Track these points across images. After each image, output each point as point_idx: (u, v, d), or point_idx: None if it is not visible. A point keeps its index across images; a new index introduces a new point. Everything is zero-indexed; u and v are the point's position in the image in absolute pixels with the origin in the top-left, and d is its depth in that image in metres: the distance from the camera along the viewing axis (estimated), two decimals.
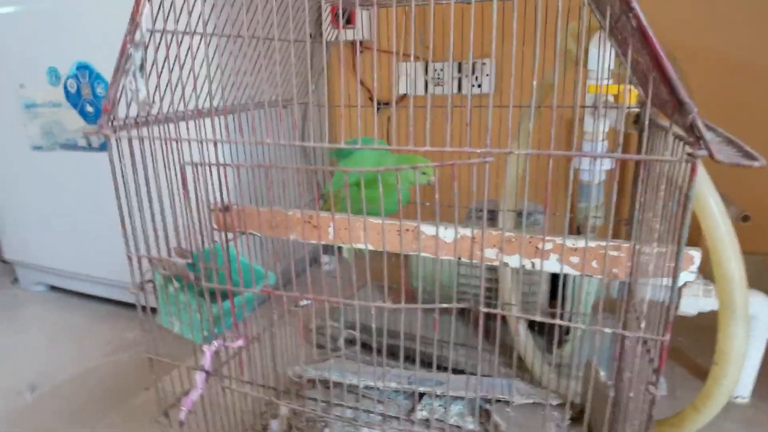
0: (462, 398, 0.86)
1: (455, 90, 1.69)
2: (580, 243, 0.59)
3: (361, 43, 1.81)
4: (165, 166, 0.60)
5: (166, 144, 0.58)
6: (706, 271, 0.96)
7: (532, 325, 1.21)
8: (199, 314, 0.61)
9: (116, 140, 0.58)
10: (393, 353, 1.02)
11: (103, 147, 1.45)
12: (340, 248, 0.75)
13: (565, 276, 1.02)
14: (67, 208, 1.61)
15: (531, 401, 0.84)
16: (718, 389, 0.76)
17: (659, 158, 0.38)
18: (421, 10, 1.63)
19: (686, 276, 0.58)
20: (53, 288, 1.87)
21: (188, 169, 0.61)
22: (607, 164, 1.09)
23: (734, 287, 0.70)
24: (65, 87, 1.47)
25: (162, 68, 0.57)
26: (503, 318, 1.16)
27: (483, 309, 0.51)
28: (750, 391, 1.12)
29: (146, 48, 0.56)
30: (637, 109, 0.71)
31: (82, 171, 1.53)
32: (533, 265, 0.62)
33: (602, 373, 0.79)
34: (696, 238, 1.05)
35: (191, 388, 0.64)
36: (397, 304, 0.58)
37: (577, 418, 0.83)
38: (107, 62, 1.36)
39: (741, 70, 1.47)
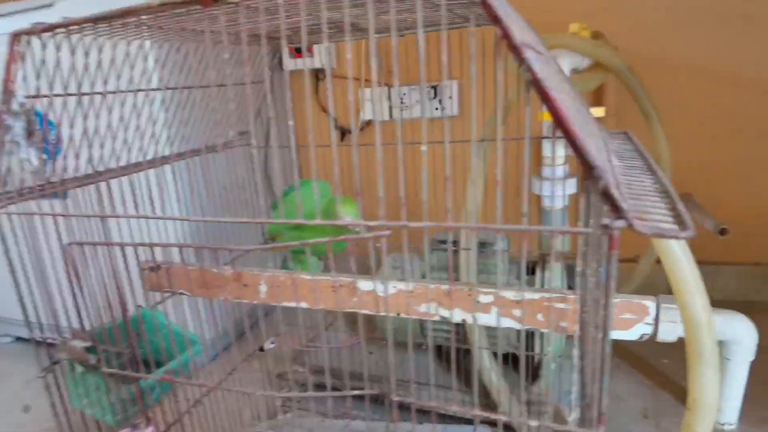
0: None
1: (420, 113, 1.65)
2: (523, 295, 0.54)
3: (323, 71, 1.78)
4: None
5: (55, 219, 0.53)
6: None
7: (506, 361, 1.15)
8: (108, 396, 0.55)
9: (7, 216, 0.53)
10: (362, 396, 0.96)
11: None
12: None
13: None
14: None
15: None
16: None
17: (568, 230, 0.33)
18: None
19: (642, 328, 0.53)
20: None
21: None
22: (570, 188, 1.04)
23: (702, 333, 0.64)
24: None
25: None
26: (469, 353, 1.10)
27: (395, 397, 0.45)
28: (737, 417, 1.06)
29: (31, 113, 0.51)
30: None
31: None
32: (474, 318, 0.57)
33: (572, 416, 0.74)
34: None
35: None
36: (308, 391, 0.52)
37: None
38: None
39: (703, 75, 1.43)
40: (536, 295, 0.53)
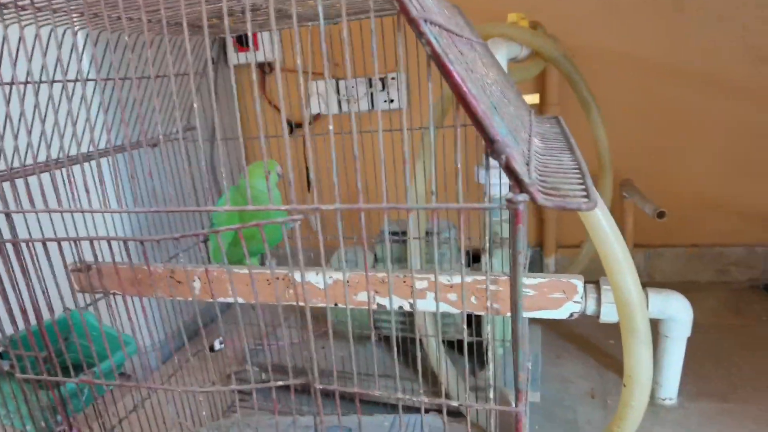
0: None
1: (368, 106, 1.64)
2: (456, 279, 0.54)
3: (269, 64, 1.75)
4: None
5: None
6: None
7: (460, 348, 1.17)
8: (27, 405, 0.52)
9: None
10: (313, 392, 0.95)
11: None
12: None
13: None
14: None
15: None
16: (629, 411, 0.73)
17: (476, 206, 0.33)
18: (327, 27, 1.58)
19: (571, 306, 0.54)
20: None
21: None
22: None
23: (635, 312, 0.66)
24: None
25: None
26: (421, 343, 1.11)
27: (318, 386, 0.45)
28: (676, 392, 1.11)
29: None
30: None
31: None
32: (410, 305, 0.57)
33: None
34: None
35: None
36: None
37: None
38: None
39: (639, 64, 1.48)
40: (469, 279, 0.54)
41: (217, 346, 1.29)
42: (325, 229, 1.66)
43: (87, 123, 0.50)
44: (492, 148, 0.28)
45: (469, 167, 1.14)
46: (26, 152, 0.57)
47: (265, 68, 1.75)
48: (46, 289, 0.60)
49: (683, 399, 1.11)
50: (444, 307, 0.55)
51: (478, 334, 1.15)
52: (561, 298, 0.52)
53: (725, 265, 1.58)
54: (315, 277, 0.59)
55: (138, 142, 0.90)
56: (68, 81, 0.60)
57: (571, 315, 0.53)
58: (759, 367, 1.20)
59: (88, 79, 0.65)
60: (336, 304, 0.60)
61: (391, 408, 1.01)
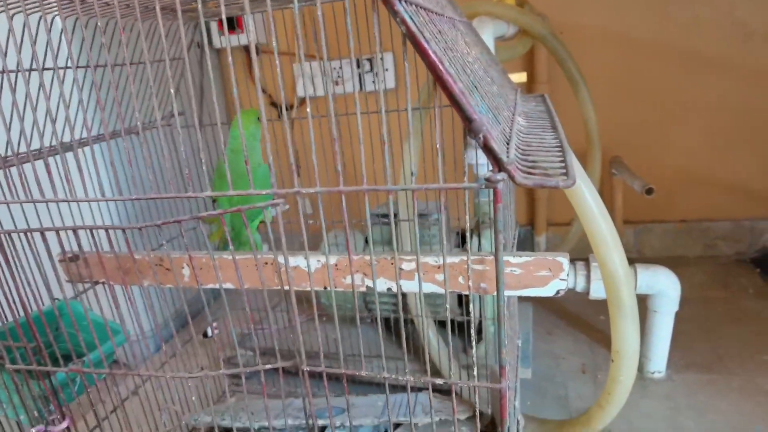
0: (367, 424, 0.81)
1: (357, 87, 1.63)
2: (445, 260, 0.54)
3: (255, 47, 1.72)
4: None
5: None
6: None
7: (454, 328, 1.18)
8: (18, 395, 0.53)
9: None
10: (312, 374, 0.96)
11: None
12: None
13: None
14: None
15: (437, 419, 0.79)
16: (617, 386, 0.74)
17: (454, 186, 0.33)
18: (309, 9, 1.56)
19: (557, 284, 0.54)
20: None
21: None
22: None
23: (621, 287, 0.67)
24: None
25: None
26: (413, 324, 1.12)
27: (306, 367, 0.45)
28: (665, 365, 1.13)
29: None
30: None
31: None
32: (399, 287, 0.57)
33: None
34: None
35: None
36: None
37: (488, 431, 0.80)
38: None
39: (626, 42, 1.48)
40: (456, 259, 0.54)
41: (210, 332, 1.29)
42: (317, 213, 1.66)
43: (73, 111, 0.49)
44: (469, 127, 0.28)
45: (457, 148, 1.14)
46: (6, 145, 0.56)
47: (250, 51, 1.73)
48: (34, 280, 0.60)
49: (671, 372, 1.13)
50: (432, 288, 0.56)
51: (470, 314, 1.16)
52: (547, 275, 0.52)
53: (713, 240, 1.60)
54: (302, 261, 0.59)
55: (115, 131, 0.89)
56: (46, 69, 0.59)
57: (558, 292, 0.54)
58: (744, 338, 1.22)
59: (67, 67, 0.64)
60: (325, 288, 0.60)
61: (384, 389, 1.02)
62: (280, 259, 0.59)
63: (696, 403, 1.03)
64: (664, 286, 1.05)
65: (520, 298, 1.41)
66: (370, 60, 1.59)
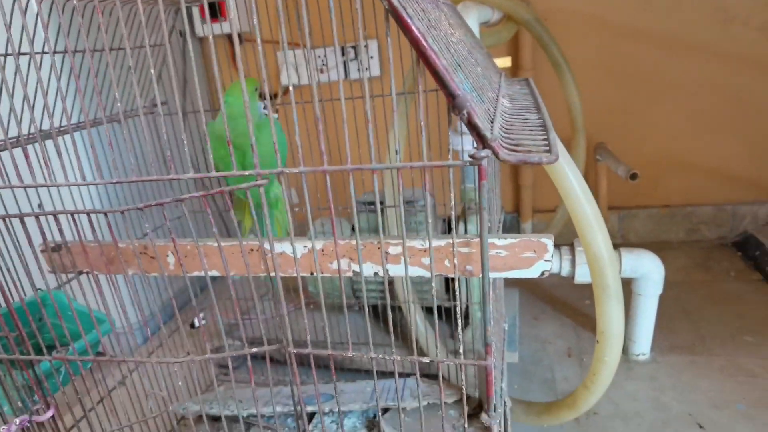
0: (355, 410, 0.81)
1: (342, 76, 1.62)
2: (432, 243, 0.54)
3: (239, 35, 1.70)
4: None
5: None
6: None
7: (442, 315, 1.18)
8: (1, 384, 0.52)
9: None
10: (301, 362, 0.96)
11: None
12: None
13: None
14: None
15: (425, 403, 0.80)
16: (602, 367, 0.75)
17: (439, 164, 0.33)
18: None
19: (542, 265, 0.55)
20: None
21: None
22: None
23: (604, 267, 0.68)
24: None
25: None
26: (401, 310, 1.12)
27: (293, 350, 0.45)
28: (649, 348, 1.14)
29: None
30: None
31: None
32: (386, 271, 0.57)
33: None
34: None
35: None
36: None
37: (475, 414, 0.80)
38: None
39: (609, 27, 1.48)
40: (442, 242, 0.54)
41: (197, 322, 1.28)
42: (303, 201, 1.65)
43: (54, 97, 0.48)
44: (453, 103, 0.27)
45: (443, 137, 1.14)
46: None
47: (234, 40, 1.71)
48: (15, 269, 0.59)
49: (655, 354, 1.15)
50: (419, 271, 0.56)
51: (455, 299, 1.16)
52: (532, 257, 0.52)
53: (695, 224, 1.62)
54: (288, 247, 0.59)
55: (97, 119, 0.87)
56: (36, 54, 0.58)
57: (542, 273, 0.54)
58: (725, 320, 1.24)
59: (44, 52, 0.63)
60: (312, 273, 0.60)
61: (373, 375, 1.03)
62: (268, 246, 0.59)
63: (679, 384, 1.05)
64: (648, 270, 1.07)
65: (507, 284, 1.42)
66: (354, 48, 1.57)
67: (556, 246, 1.10)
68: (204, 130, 0.43)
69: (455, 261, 0.45)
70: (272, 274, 0.54)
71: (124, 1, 0.77)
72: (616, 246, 0.96)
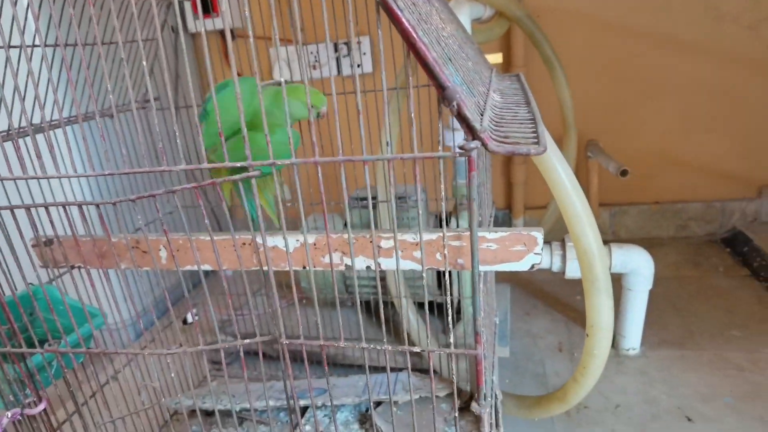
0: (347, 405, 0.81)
1: (334, 72, 1.62)
2: (422, 236, 0.55)
3: (231, 31, 1.70)
4: None
5: None
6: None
7: (434, 311, 1.19)
8: None
9: None
10: (294, 358, 0.96)
11: None
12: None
13: None
14: None
15: (417, 396, 0.80)
16: (592, 360, 0.76)
17: (430, 155, 0.33)
18: None
19: (532, 258, 0.56)
20: None
21: None
22: None
23: (593, 260, 0.68)
24: None
25: None
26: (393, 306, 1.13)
27: (285, 341, 0.45)
28: (639, 342, 1.16)
29: None
30: None
31: None
32: (378, 264, 0.57)
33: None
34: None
35: None
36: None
37: (466, 407, 0.81)
38: None
39: (601, 25, 1.49)
40: (433, 236, 0.54)
41: (189, 319, 1.28)
42: (295, 195, 1.65)
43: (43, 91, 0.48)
44: (443, 94, 0.28)
45: (434, 131, 1.14)
46: None
47: (226, 35, 1.70)
48: (5, 263, 0.59)
49: (646, 348, 1.16)
50: (410, 265, 0.56)
51: (448, 291, 1.17)
52: (522, 250, 0.53)
53: (685, 221, 1.64)
54: (281, 241, 0.59)
55: (88, 114, 0.87)
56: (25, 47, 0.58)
57: (533, 266, 0.55)
58: (714, 315, 1.25)
59: (35, 45, 0.62)
60: (304, 267, 0.60)
61: (365, 371, 1.03)
62: (260, 239, 0.59)
63: (669, 378, 1.07)
64: (638, 265, 1.08)
65: (498, 280, 1.43)
66: (346, 44, 1.58)
67: (547, 242, 1.11)
68: (196, 122, 0.43)
69: (446, 252, 0.45)
70: (264, 267, 0.54)
71: None
72: (606, 242, 0.97)
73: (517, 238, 0.54)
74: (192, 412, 0.85)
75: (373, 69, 1.61)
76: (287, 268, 0.60)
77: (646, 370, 1.10)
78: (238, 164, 0.39)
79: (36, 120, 0.83)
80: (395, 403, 0.80)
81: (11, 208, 0.49)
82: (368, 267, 0.59)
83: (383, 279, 1.18)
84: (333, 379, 0.91)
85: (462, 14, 0.92)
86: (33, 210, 0.59)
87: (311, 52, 1.59)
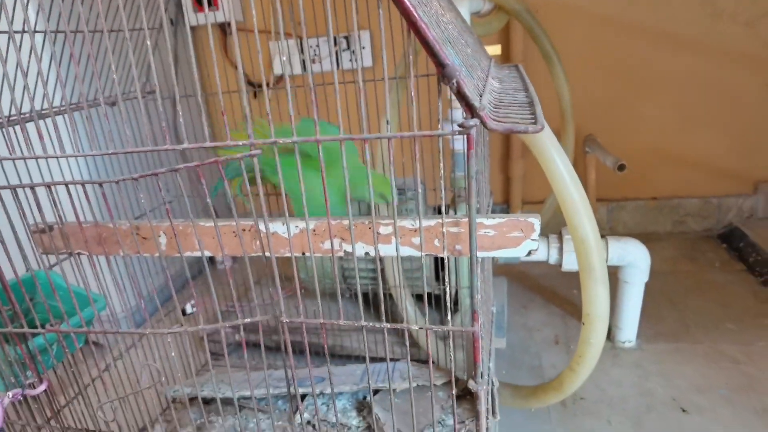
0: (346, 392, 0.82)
1: (334, 64, 1.62)
2: (421, 222, 0.55)
3: (230, 24, 1.70)
4: None
5: None
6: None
7: (429, 302, 1.20)
8: None
9: None
10: (293, 350, 0.97)
11: None
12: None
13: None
14: None
15: (415, 384, 0.81)
16: (588, 349, 0.77)
17: (430, 133, 0.34)
18: None
19: (529, 244, 0.56)
20: None
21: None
22: None
23: (590, 250, 0.69)
24: None
25: None
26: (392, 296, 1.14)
27: (285, 319, 0.46)
28: (635, 335, 1.16)
29: None
30: None
31: None
32: (376, 251, 0.58)
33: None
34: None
35: None
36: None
37: (463, 395, 0.82)
38: None
39: (600, 20, 1.50)
40: (432, 222, 0.55)
41: (189, 309, 1.29)
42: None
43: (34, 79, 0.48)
44: (443, 72, 0.28)
45: (433, 123, 1.15)
46: None
47: (225, 29, 1.71)
48: (5, 246, 0.60)
49: (641, 341, 1.17)
50: (409, 251, 0.57)
51: (444, 285, 1.18)
52: (519, 236, 0.54)
53: (682, 216, 1.65)
54: (281, 227, 0.60)
55: (79, 104, 0.88)
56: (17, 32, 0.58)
57: (530, 252, 0.55)
58: (709, 308, 1.26)
59: (24, 31, 0.63)
60: (303, 254, 0.61)
61: (363, 361, 1.04)
62: (261, 226, 0.60)
63: (664, 370, 1.08)
64: (634, 257, 1.08)
65: (496, 273, 1.43)
66: (347, 38, 1.58)
67: (545, 235, 1.12)
68: (200, 105, 0.44)
69: (444, 232, 0.46)
70: (266, 253, 0.55)
71: None
72: (604, 237, 0.98)
73: (515, 224, 0.54)
74: (192, 400, 0.85)
75: (374, 63, 1.61)
76: (287, 254, 0.61)
77: (642, 362, 1.11)
78: (241, 143, 0.39)
79: (38, 106, 0.83)
80: (393, 391, 0.81)
81: (12, 187, 0.50)
82: (367, 253, 0.59)
83: (382, 270, 1.19)
84: (331, 368, 0.92)
85: (462, 7, 0.93)
86: (33, 196, 0.59)
87: (311, 46, 1.60)
